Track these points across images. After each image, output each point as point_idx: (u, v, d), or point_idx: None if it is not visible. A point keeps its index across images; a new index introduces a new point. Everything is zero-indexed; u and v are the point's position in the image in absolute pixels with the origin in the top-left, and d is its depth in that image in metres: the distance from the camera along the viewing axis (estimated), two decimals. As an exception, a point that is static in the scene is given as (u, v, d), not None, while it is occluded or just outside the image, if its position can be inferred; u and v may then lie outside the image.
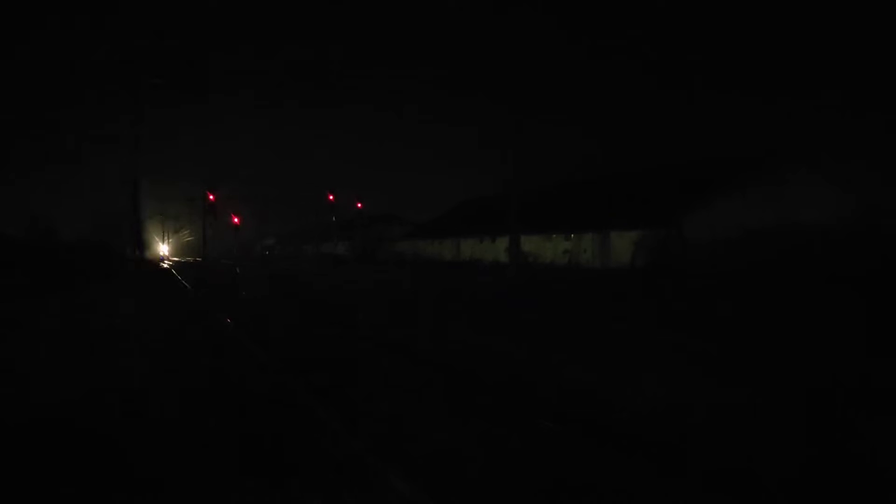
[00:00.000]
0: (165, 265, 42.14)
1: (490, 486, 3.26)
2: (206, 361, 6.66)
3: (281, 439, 3.91)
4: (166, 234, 79.51)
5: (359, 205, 46.62)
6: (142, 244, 25.47)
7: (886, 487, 3.35)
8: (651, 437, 4.10)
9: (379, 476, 3.30)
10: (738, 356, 7.02)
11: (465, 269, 32.98)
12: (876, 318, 9.99)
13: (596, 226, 29.29)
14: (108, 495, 3.09)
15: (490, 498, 3.14)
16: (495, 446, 3.88)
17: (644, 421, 4.44)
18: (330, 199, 44.24)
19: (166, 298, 15.17)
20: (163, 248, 78.98)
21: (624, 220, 27.76)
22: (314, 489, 3.15)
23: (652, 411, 4.68)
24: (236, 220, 49.90)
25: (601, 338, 8.55)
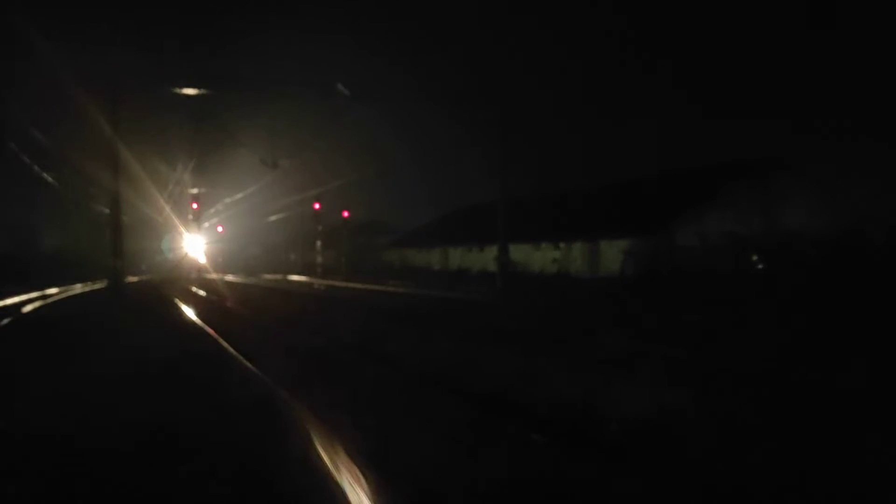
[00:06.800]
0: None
1: None
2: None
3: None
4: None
5: (345, 214, 46.15)
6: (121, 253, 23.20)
7: None
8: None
9: None
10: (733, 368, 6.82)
11: (452, 278, 32.73)
12: (865, 326, 9.87)
13: (585, 234, 29.18)
14: None
15: None
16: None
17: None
18: (316, 209, 43.73)
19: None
20: (194, 247, 44.40)
21: (613, 229, 27.67)
22: None
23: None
24: (220, 229, 49.11)
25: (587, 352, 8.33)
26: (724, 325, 11.64)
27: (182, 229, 42.10)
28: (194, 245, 44.33)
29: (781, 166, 27.90)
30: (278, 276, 48.23)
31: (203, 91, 21.60)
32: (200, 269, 41.64)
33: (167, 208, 38.63)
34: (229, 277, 43.44)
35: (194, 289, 26.98)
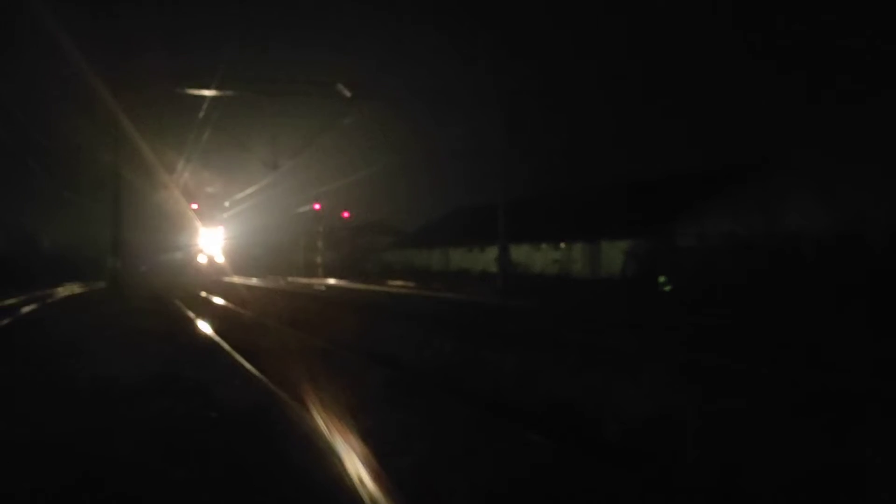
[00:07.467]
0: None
1: None
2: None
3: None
4: None
5: (345, 215, 46.29)
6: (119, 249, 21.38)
7: None
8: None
9: None
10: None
11: (453, 278, 32.79)
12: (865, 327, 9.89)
13: (586, 235, 29.19)
14: None
15: None
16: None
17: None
18: (316, 209, 43.85)
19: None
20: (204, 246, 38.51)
21: (614, 230, 27.69)
22: None
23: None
24: (222, 229, 49.09)
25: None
26: (723, 325, 11.68)
27: (189, 228, 38.59)
28: (204, 244, 39.30)
29: (781, 166, 27.93)
30: (279, 277, 48.24)
31: (207, 92, 21.38)
32: (211, 271, 37.36)
33: (171, 204, 36.78)
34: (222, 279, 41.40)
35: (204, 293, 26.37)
